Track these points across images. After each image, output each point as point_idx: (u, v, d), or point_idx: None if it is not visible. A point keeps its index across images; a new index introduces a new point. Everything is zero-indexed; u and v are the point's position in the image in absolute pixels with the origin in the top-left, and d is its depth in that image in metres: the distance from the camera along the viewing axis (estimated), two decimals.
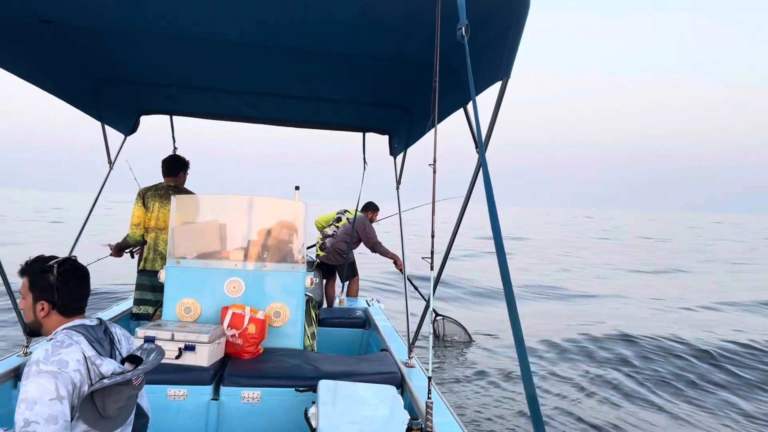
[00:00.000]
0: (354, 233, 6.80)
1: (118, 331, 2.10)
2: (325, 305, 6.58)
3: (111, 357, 1.96)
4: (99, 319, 2.05)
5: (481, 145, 1.53)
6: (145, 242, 4.56)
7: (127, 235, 4.58)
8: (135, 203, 4.56)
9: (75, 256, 2.08)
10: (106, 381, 1.81)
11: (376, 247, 6.92)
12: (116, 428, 1.91)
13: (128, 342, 2.14)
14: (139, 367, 1.91)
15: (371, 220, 7.17)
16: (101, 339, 1.95)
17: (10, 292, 3.43)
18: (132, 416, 2.08)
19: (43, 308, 1.95)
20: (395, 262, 6.94)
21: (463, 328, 7.84)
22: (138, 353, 2.01)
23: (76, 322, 1.95)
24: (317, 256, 7.16)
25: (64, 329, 1.91)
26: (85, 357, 1.82)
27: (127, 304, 5.16)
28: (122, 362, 1.95)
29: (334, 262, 6.96)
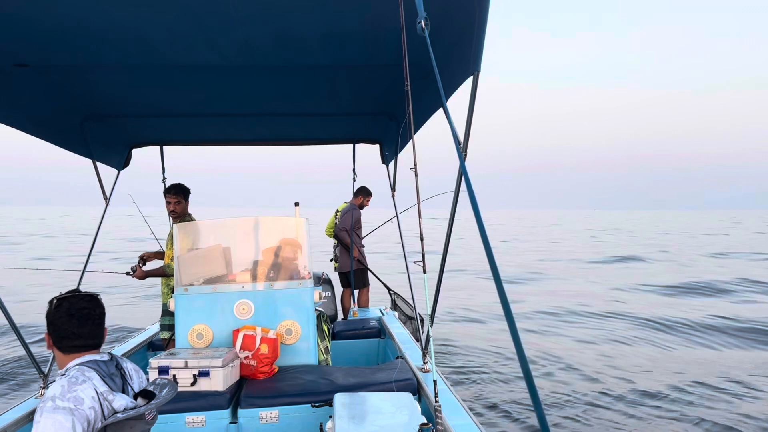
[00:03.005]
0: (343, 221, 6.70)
1: (128, 366, 2.09)
2: (341, 317, 6.55)
3: (123, 392, 1.96)
4: (110, 354, 2.06)
5: (456, 143, 1.53)
6: None
7: (168, 267, 4.42)
8: (171, 240, 4.38)
9: (94, 293, 2.05)
10: (119, 415, 1.82)
11: (340, 233, 6.69)
12: None
13: (139, 376, 2.14)
14: (152, 402, 1.92)
15: (362, 206, 6.91)
16: (113, 374, 1.95)
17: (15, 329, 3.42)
18: None
19: (48, 340, 1.98)
20: (351, 251, 6.72)
21: (410, 305, 6.78)
22: (151, 388, 2.02)
23: (87, 357, 1.94)
24: (335, 268, 7.09)
25: (76, 365, 1.91)
26: (97, 393, 1.82)
27: (143, 336, 5.18)
28: (135, 397, 1.96)
29: (347, 269, 6.88)
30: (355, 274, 6.77)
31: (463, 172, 1.50)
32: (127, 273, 4.64)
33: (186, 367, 3.27)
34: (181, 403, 3.11)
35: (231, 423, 3.13)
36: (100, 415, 1.80)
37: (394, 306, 6.62)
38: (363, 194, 6.87)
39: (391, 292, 7.00)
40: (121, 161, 4.98)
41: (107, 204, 4.58)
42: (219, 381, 3.24)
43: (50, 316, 1.94)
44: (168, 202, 4.57)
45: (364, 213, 7.07)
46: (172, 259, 4.40)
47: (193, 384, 3.24)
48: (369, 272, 6.86)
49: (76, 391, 1.77)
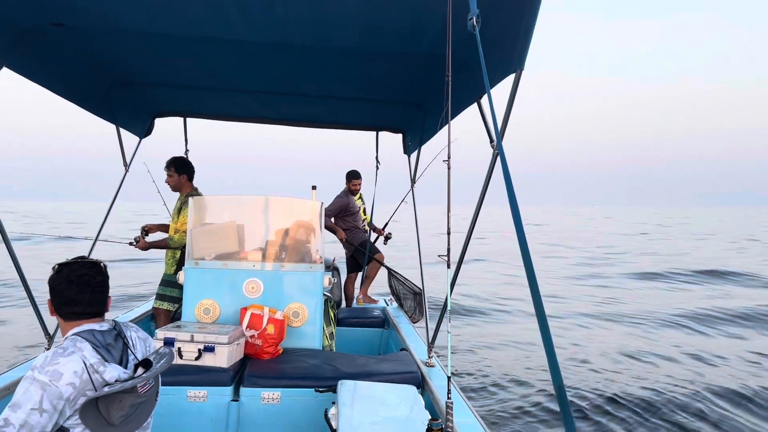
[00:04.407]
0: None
1: (134, 335, 2.05)
2: (344, 305, 6.51)
3: (121, 362, 1.92)
4: (114, 322, 2.02)
5: (498, 138, 1.49)
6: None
7: (171, 239, 4.41)
8: (186, 211, 4.34)
9: (97, 260, 2.02)
10: (105, 389, 1.77)
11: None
12: None
13: (146, 345, 2.10)
14: (142, 374, 1.87)
15: (353, 191, 6.65)
16: (109, 345, 1.90)
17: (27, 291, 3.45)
18: (148, 422, 2.03)
19: (50, 306, 1.95)
20: (336, 232, 6.49)
21: (408, 283, 6.35)
22: (152, 358, 1.97)
23: (85, 326, 1.91)
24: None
25: (72, 334, 1.88)
26: (86, 365, 1.78)
27: (148, 306, 5.19)
28: (135, 367, 1.93)
29: (348, 254, 6.77)
30: (356, 254, 6.62)
31: (504, 169, 1.46)
32: (130, 243, 4.62)
33: (192, 340, 3.26)
34: (183, 377, 3.10)
35: (232, 400, 3.12)
36: (83, 389, 1.76)
37: (391, 285, 6.31)
38: (347, 178, 6.68)
39: (391, 271, 6.77)
40: (143, 129, 4.98)
41: (126, 171, 4.58)
42: (224, 357, 3.22)
43: (51, 281, 1.92)
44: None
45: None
46: (176, 232, 4.40)
47: (197, 358, 3.23)
48: (365, 254, 6.65)
49: (57, 364, 1.74)
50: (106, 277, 2.00)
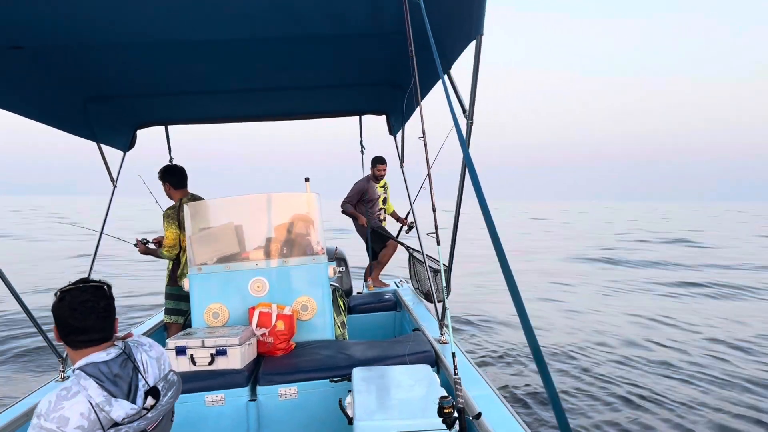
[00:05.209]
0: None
1: (144, 357, 1.97)
2: (356, 291, 6.45)
3: (130, 392, 1.85)
4: (124, 344, 1.94)
5: (463, 113, 1.46)
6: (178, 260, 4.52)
7: (161, 253, 4.45)
8: (168, 225, 4.39)
9: (98, 282, 1.94)
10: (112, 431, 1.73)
11: (342, 204, 6.49)
12: None
13: (159, 365, 2.02)
14: (149, 414, 1.81)
15: (377, 176, 6.52)
16: (117, 376, 1.83)
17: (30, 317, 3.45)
18: None
19: (56, 334, 1.89)
20: (357, 219, 6.46)
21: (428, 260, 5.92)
22: (161, 386, 1.91)
23: (91, 358, 1.84)
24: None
25: (77, 368, 1.83)
26: (92, 405, 1.73)
27: (161, 316, 5.21)
28: (146, 394, 1.88)
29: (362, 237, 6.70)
30: (373, 243, 6.56)
31: (461, 145, 1.42)
32: (135, 244, 4.68)
33: (203, 346, 3.26)
34: (199, 383, 3.11)
35: (250, 400, 3.14)
36: (92, 429, 1.72)
37: (411, 266, 6.11)
38: (372, 164, 6.57)
39: (409, 249, 6.64)
40: (126, 142, 4.95)
41: (115, 186, 4.56)
42: (237, 359, 3.23)
43: (54, 310, 1.85)
44: None
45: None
46: (172, 247, 4.40)
47: (210, 363, 3.24)
48: (383, 234, 6.59)
49: (62, 409, 1.70)
50: (111, 299, 1.92)
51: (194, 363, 3.25)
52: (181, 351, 3.26)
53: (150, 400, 1.86)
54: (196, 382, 3.11)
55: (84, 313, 1.82)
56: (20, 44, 2.78)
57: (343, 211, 6.58)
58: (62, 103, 3.73)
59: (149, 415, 1.81)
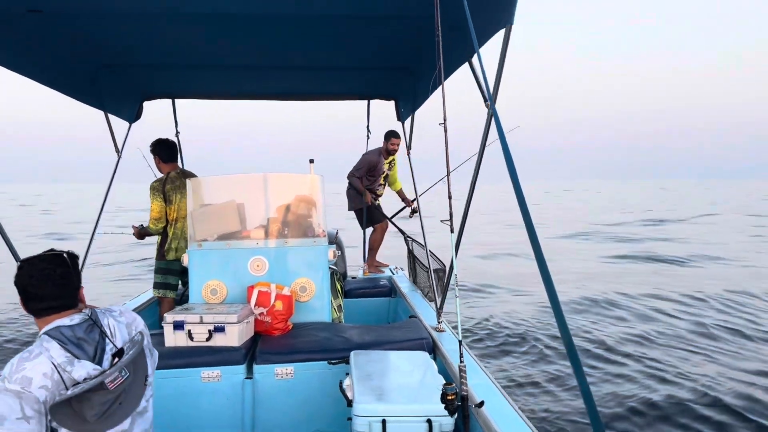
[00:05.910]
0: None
1: (112, 321, 1.97)
2: (350, 276, 6.40)
3: (96, 355, 1.85)
4: (91, 310, 1.95)
5: (490, 98, 1.45)
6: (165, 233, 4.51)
7: (148, 228, 4.46)
8: (153, 197, 4.36)
9: (60, 251, 1.94)
10: (68, 392, 1.73)
11: (349, 177, 6.24)
12: None
13: (127, 331, 2.01)
14: (107, 370, 1.80)
15: (389, 150, 6.18)
16: (81, 339, 1.84)
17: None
18: (142, 410, 1.97)
19: (21, 304, 1.90)
20: (363, 195, 6.18)
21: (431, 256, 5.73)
22: (126, 346, 1.91)
23: (55, 323, 1.85)
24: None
25: (42, 333, 1.84)
26: (54, 365, 1.74)
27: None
28: (113, 356, 1.88)
29: (354, 208, 6.39)
30: (365, 213, 6.27)
31: (498, 129, 1.42)
32: (132, 232, 4.73)
33: (201, 322, 3.26)
34: (196, 358, 3.11)
35: (246, 378, 3.14)
36: (57, 389, 1.73)
37: (411, 256, 5.95)
38: (385, 137, 6.18)
39: (409, 239, 6.51)
40: (132, 113, 4.91)
41: (119, 157, 4.53)
42: (234, 336, 3.23)
43: (15, 279, 1.87)
44: None
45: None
46: (157, 219, 4.39)
47: (208, 339, 3.24)
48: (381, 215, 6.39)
49: (24, 370, 1.71)
50: (69, 268, 1.92)
51: (191, 338, 3.25)
52: (179, 326, 3.25)
53: (114, 362, 1.86)
54: (192, 357, 3.11)
55: (41, 280, 1.85)
56: (38, 8, 2.75)
57: (349, 184, 6.32)
58: (74, 70, 3.70)
59: (107, 372, 1.80)
